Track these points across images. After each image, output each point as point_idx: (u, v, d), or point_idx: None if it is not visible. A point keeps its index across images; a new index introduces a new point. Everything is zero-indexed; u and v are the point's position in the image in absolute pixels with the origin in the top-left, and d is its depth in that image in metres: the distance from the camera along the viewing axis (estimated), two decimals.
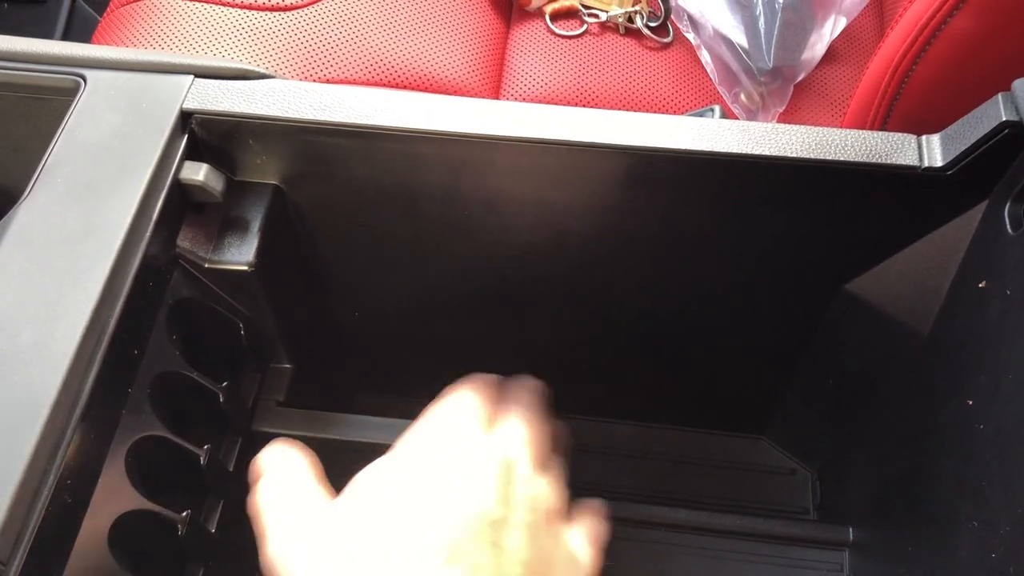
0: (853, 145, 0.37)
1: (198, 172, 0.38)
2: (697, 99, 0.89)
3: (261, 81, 0.40)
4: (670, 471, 0.56)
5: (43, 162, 0.36)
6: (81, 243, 0.34)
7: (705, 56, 0.91)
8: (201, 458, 0.38)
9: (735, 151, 0.37)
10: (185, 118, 0.38)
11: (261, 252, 0.40)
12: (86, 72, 0.39)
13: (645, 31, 0.91)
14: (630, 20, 0.91)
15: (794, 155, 0.37)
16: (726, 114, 0.47)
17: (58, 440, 0.30)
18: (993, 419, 0.34)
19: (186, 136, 0.38)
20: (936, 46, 0.54)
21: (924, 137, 0.38)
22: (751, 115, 0.89)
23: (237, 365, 0.44)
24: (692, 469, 0.56)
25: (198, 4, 0.85)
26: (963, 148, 0.36)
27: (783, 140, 0.37)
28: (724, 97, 0.89)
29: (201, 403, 0.40)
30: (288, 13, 0.86)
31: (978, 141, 0.36)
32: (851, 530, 0.50)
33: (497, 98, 0.89)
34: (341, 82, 0.84)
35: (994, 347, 0.35)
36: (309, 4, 0.87)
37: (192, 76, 0.39)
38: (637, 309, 0.48)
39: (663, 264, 0.45)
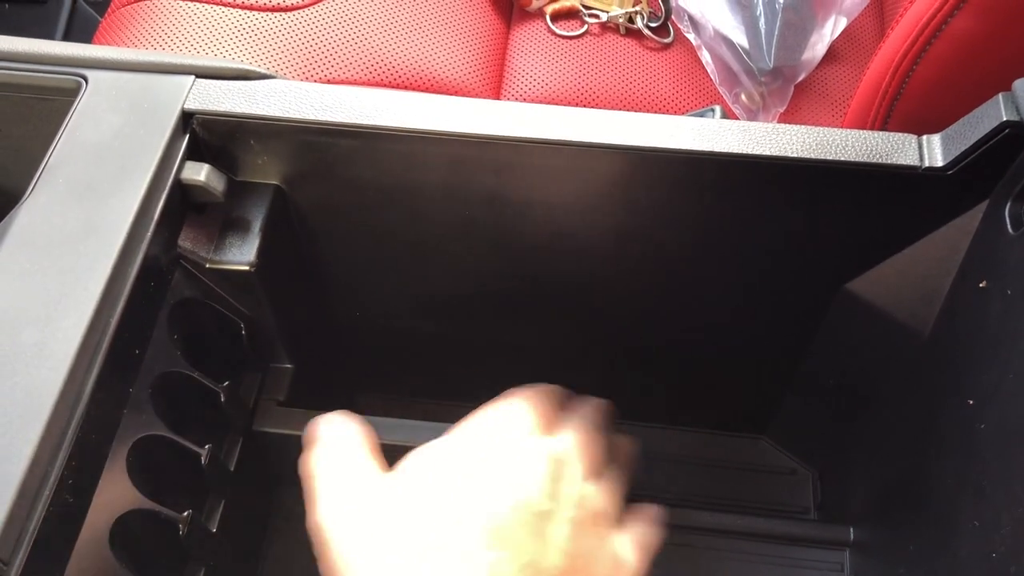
0: (854, 145, 0.37)
1: (199, 172, 0.38)
2: (698, 99, 0.89)
3: (262, 81, 0.40)
4: (670, 471, 0.56)
5: (44, 162, 0.36)
6: (82, 243, 0.34)
7: (706, 56, 0.91)
8: (202, 458, 0.38)
9: (736, 151, 0.37)
10: (186, 118, 0.39)
11: (262, 252, 0.40)
12: (87, 72, 0.39)
13: (646, 31, 0.91)
14: (631, 20, 0.91)
15: (795, 155, 0.37)
16: (727, 114, 0.47)
17: (59, 440, 0.30)
18: (993, 419, 0.34)
19: (187, 136, 0.38)
20: (937, 46, 0.54)
21: (925, 137, 0.38)
22: (752, 115, 0.89)
23: (238, 365, 0.45)
24: (692, 469, 0.56)
25: (199, 5, 0.85)
26: (964, 148, 0.36)
27: (784, 140, 0.37)
28: (725, 97, 0.89)
29: (202, 403, 0.40)
30: (289, 14, 0.86)
31: (979, 141, 0.36)
32: (851, 530, 0.50)
33: (498, 98, 0.89)
34: (342, 82, 0.84)
35: (995, 347, 0.35)
36: (310, 4, 0.87)
37: (193, 76, 0.39)
38: (637, 309, 0.48)
39: (663, 264, 0.45)
